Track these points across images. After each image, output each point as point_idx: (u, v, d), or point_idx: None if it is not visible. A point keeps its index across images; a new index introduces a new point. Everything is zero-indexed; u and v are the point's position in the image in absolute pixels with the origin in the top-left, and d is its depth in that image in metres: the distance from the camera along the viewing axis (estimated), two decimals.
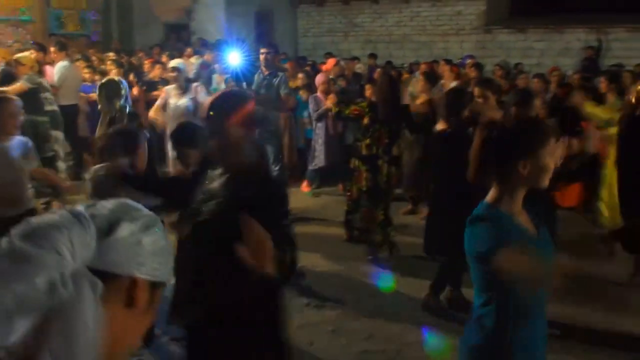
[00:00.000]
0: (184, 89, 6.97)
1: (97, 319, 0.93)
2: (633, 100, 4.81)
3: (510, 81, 8.30)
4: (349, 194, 5.85)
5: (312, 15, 17.78)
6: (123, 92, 5.30)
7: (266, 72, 6.44)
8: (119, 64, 8.20)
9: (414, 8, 16.10)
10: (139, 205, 1.07)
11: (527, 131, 2.04)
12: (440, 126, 4.68)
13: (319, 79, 8.09)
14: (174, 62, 6.92)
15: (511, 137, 2.02)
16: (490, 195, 2.09)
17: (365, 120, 5.46)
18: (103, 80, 5.45)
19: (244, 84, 6.53)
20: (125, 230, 1.00)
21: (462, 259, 2.19)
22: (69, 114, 7.87)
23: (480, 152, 2.08)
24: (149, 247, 1.02)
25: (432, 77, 7.57)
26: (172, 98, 6.98)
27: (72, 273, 0.91)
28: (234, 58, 6.40)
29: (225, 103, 2.35)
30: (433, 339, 4.23)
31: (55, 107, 7.37)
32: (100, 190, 3.27)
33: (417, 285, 5.07)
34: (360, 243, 5.78)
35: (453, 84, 8.04)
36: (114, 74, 7.99)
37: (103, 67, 8.73)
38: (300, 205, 7.15)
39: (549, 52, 14.18)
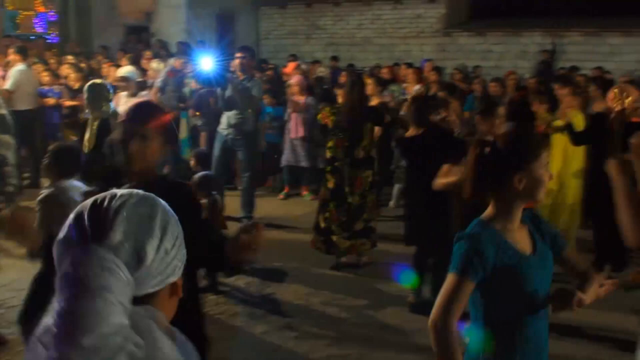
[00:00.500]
0: (135, 97, 6.84)
1: (168, 338, 1.06)
2: (618, 106, 4.86)
3: (468, 84, 8.45)
4: (319, 195, 5.89)
5: (274, 17, 17.76)
6: (109, 95, 5.27)
7: (241, 77, 6.39)
8: (77, 68, 8.06)
9: (375, 11, 16.25)
10: (138, 203, 1.08)
11: (520, 144, 2.01)
12: (411, 132, 4.81)
13: (295, 79, 8.09)
14: (123, 71, 6.76)
15: (505, 152, 1.99)
16: (487, 212, 2.06)
17: (329, 124, 5.51)
18: (88, 84, 5.37)
19: (218, 89, 6.49)
20: (151, 251, 1.05)
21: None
22: (26, 119, 7.69)
23: (475, 169, 2.04)
24: (174, 250, 1.10)
25: (381, 80, 7.68)
26: (121, 106, 6.84)
27: (131, 325, 0.99)
28: (206, 63, 6.33)
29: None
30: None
31: (3, 111, 7.17)
32: (48, 212, 3.19)
33: (381, 291, 5.13)
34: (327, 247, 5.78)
35: (416, 87, 8.16)
36: (72, 79, 7.86)
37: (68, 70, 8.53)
38: (270, 210, 7.16)
39: (507, 55, 14.49)
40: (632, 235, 2.22)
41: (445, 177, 3.80)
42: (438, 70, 8.69)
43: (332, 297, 5.04)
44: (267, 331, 4.41)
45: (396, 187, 7.77)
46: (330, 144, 5.51)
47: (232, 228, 6.03)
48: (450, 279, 1.93)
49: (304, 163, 7.78)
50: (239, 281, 5.31)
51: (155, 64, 8.99)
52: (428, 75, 8.54)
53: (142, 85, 7.64)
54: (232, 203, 6.71)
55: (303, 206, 7.56)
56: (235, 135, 6.48)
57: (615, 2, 14.41)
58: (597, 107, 6.47)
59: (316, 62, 10.52)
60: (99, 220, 1.03)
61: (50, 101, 7.98)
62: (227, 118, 6.54)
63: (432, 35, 15.45)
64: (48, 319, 0.99)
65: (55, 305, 0.97)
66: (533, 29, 14.45)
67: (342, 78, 8.38)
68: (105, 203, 1.06)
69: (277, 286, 5.24)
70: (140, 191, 1.12)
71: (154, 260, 1.05)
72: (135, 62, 9.88)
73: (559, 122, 5.76)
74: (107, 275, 0.97)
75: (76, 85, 7.81)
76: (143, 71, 9.13)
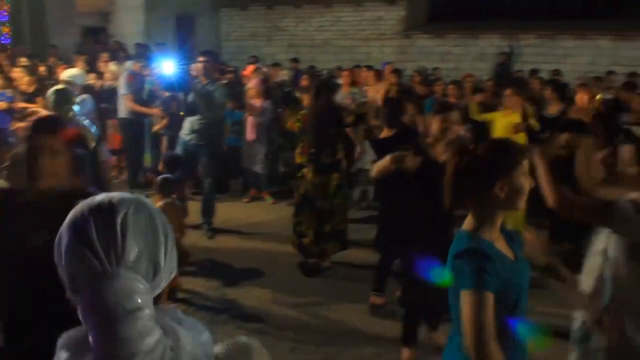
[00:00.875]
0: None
1: (184, 330, 1.09)
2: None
3: (428, 86, 8.54)
4: (294, 199, 5.89)
5: (235, 19, 17.66)
6: (74, 99, 5.16)
7: (205, 81, 6.32)
8: (30, 71, 7.84)
9: (336, 13, 16.30)
10: (136, 211, 1.08)
11: (501, 152, 1.99)
12: (384, 133, 4.95)
13: (253, 82, 8.03)
14: (67, 74, 6.55)
15: (485, 160, 1.98)
16: (469, 223, 2.03)
17: (297, 129, 5.55)
18: (53, 88, 5.24)
19: (180, 93, 6.40)
20: (162, 258, 1.09)
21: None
22: None
23: (455, 178, 2.02)
24: (173, 247, 1.13)
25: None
26: None
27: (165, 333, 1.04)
28: (168, 67, 6.22)
29: (44, 126, 2.35)
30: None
31: None
32: None
33: (345, 294, 5.14)
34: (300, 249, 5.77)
35: (376, 89, 8.21)
36: (24, 82, 7.64)
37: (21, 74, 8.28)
38: (232, 215, 7.09)
39: (466, 56, 14.71)
40: (551, 197, 2.56)
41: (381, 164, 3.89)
42: (398, 72, 8.75)
43: (295, 301, 5.02)
44: (229, 337, 4.36)
45: (357, 190, 7.81)
46: (297, 150, 5.55)
47: (193, 235, 6.00)
48: (469, 298, 1.85)
49: (257, 168, 7.74)
50: (200, 287, 5.25)
51: (112, 67, 8.83)
52: (388, 78, 8.60)
53: (87, 89, 7.45)
54: (196, 207, 6.62)
55: (266, 210, 7.53)
56: (197, 141, 6.40)
57: (568, 6, 14.80)
58: (552, 109, 6.64)
59: (276, 64, 10.48)
60: (112, 244, 1.03)
61: (2, 105, 7.74)
62: (189, 123, 6.47)
63: (392, 38, 15.58)
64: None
65: (93, 334, 0.99)
66: (491, 32, 14.71)
67: (304, 81, 8.36)
68: (109, 220, 1.05)
69: (239, 291, 5.20)
70: (127, 195, 1.12)
71: (165, 264, 1.10)
72: (92, 64, 9.69)
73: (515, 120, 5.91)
74: (136, 296, 1.01)
75: (30, 89, 7.60)
76: (99, 74, 8.95)
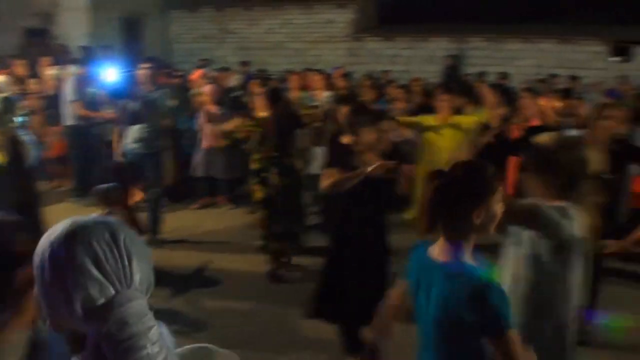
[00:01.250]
0: None
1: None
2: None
3: (378, 90, 8.58)
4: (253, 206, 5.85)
5: (185, 21, 17.42)
6: (15, 109, 4.96)
7: (149, 88, 6.17)
8: None
9: (286, 15, 16.27)
10: (130, 233, 1.14)
11: (477, 179, 1.95)
12: (347, 139, 4.92)
13: (206, 89, 7.89)
14: None
15: (464, 187, 1.93)
16: (444, 250, 1.98)
17: (253, 137, 5.50)
18: None
19: (123, 100, 6.21)
20: (150, 273, 1.17)
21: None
22: None
23: (431, 203, 1.95)
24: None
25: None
26: None
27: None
28: (111, 74, 6.05)
29: None
30: None
31: None
32: None
33: (297, 307, 5.09)
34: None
35: (325, 94, 8.18)
36: None
37: None
38: (182, 223, 6.95)
39: (416, 59, 14.90)
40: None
41: (328, 179, 3.79)
42: (347, 77, 8.76)
43: (247, 311, 4.95)
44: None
45: (309, 194, 7.78)
46: (257, 156, 5.49)
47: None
48: (515, 336, 1.81)
49: (220, 174, 7.63)
50: (148, 299, 5.12)
51: (53, 71, 8.55)
52: (337, 82, 8.60)
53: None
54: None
55: (217, 218, 7.42)
56: (143, 150, 6.24)
57: (514, 9, 15.17)
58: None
59: (225, 68, 10.32)
60: (122, 268, 1.09)
61: None
62: (134, 131, 6.30)
63: (343, 40, 15.65)
64: None
65: (110, 352, 1.05)
66: (439, 35, 14.94)
67: (253, 86, 8.28)
68: (115, 244, 1.09)
69: (188, 302, 5.10)
70: (111, 218, 1.16)
71: (153, 280, 1.17)
72: (33, 68, 9.36)
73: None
74: (149, 316, 1.10)
75: None
76: (39, 79, 8.66)
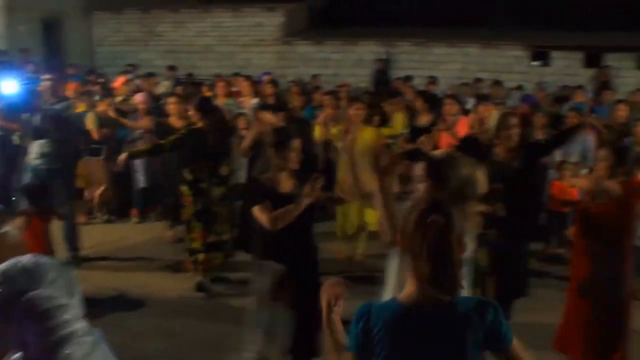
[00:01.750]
0: None
1: None
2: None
3: (305, 96, 8.55)
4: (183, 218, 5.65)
5: (109, 23, 16.86)
6: None
7: (51, 100, 5.85)
8: None
9: (215, 18, 16.03)
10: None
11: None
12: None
13: (138, 98, 7.59)
14: None
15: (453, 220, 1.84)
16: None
17: (187, 147, 5.35)
18: None
19: (23, 113, 5.87)
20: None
21: None
22: None
23: (421, 234, 1.82)
24: None
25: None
26: None
27: None
28: (10, 86, 5.67)
29: None
30: None
31: None
32: None
33: (224, 322, 4.97)
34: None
35: (253, 100, 8.07)
36: None
37: None
38: (102, 238, 6.69)
39: (345, 63, 14.99)
40: (391, 234, 2.52)
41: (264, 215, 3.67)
42: (275, 84, 8.66)
43: (169, 331, 4.80)
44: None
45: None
46: (192, 166, 5.33)
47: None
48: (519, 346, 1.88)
49: (142, 182, 7.39)
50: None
51: None
52: (264, 89, 8.49)
53: None
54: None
55: (135, 231, 7.17)
56: (49, 165, 5.90)
57: (440, 14, 15.53)
58: (422, 119, 6.83)
59: (150, 74, 9.96)
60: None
61: None
62: (37, 146, 5.95)
63: (272, 44, 15.57)
64: None
65: None
66: (368, 39, 15.09)
67: (177, 91, 8.08)
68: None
69: (108, 323, 4.88)
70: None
71: None
72: None
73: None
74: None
75: None
76: None
